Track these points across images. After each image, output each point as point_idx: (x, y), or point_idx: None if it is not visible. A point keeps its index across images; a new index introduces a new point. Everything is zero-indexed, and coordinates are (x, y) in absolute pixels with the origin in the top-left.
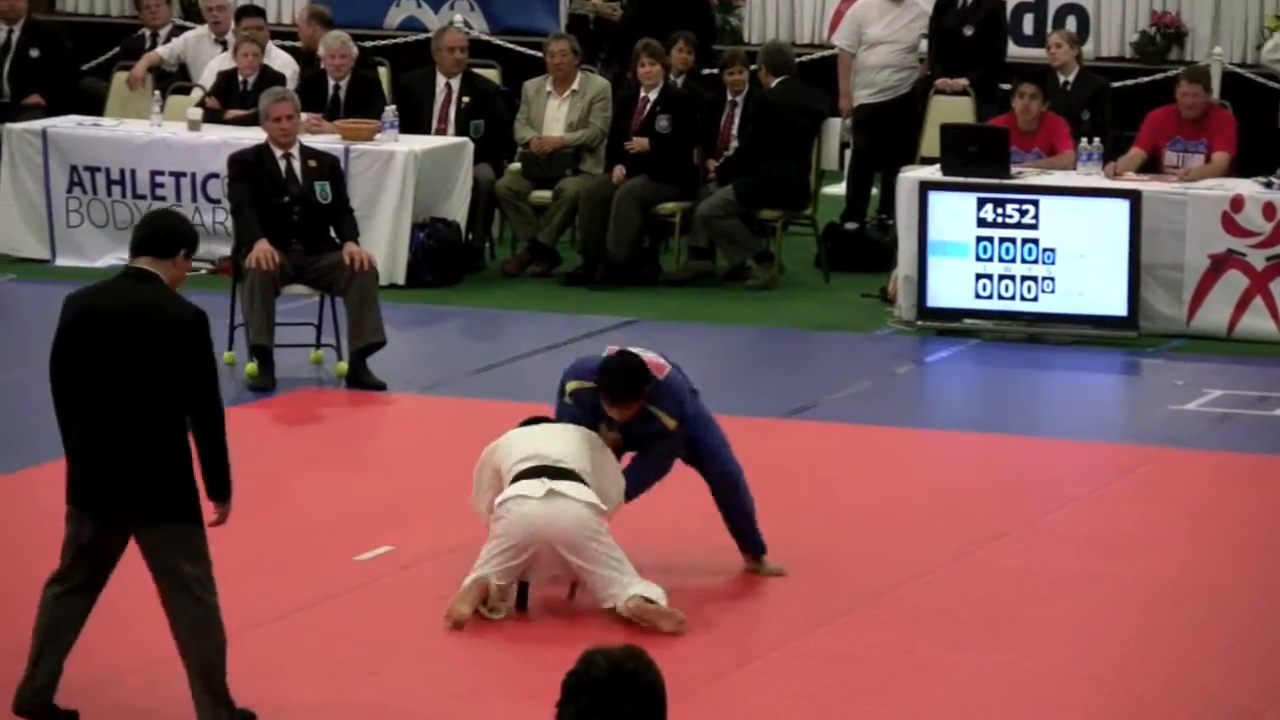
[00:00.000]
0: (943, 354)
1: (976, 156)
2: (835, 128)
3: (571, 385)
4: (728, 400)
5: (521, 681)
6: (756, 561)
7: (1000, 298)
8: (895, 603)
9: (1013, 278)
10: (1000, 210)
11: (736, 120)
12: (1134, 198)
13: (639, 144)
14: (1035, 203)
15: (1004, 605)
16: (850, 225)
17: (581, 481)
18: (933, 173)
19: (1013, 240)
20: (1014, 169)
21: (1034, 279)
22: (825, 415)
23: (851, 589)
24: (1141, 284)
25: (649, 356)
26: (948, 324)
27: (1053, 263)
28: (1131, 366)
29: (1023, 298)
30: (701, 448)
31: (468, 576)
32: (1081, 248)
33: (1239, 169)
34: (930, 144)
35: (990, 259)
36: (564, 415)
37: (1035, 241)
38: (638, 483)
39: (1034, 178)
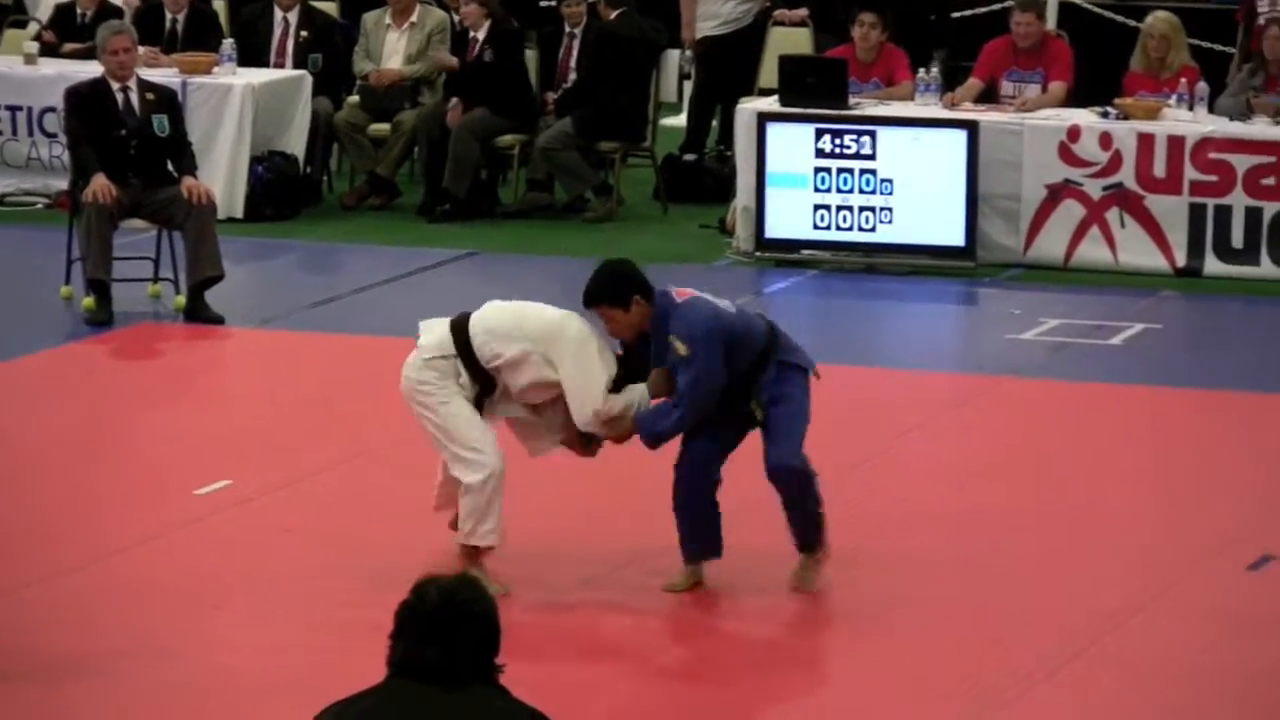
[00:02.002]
0: (781, 285)
1: (814, 88)
2: (674, 60)
3: None
4: None
5: (360, 611)
6: (808, 559)
7: (838, 228)
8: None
9: (851, 208)
10: (838, 141)
11: (575, 52)
12: (971, 128)
13: (455, 113)
14: (873, 134)
15: (847, 537)
16: (689, 157)
17: (459, 336)
18: (771, 104)
19: (850, 171)
20: (852, 100)
21: (872, 209)
22: None
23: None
24: (979, 214)
25: (683, 289)
26: (786, 255)
27: (890, 193)
28: (969, 296)
29: (860, 228)
30: (768, 428)
31: None
32: (919, 178)
33: (1076, 99)
34: (769, 75)
35: (828, 190)
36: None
37: (873, 172)
38: (655, 419)
39: (872, 108)
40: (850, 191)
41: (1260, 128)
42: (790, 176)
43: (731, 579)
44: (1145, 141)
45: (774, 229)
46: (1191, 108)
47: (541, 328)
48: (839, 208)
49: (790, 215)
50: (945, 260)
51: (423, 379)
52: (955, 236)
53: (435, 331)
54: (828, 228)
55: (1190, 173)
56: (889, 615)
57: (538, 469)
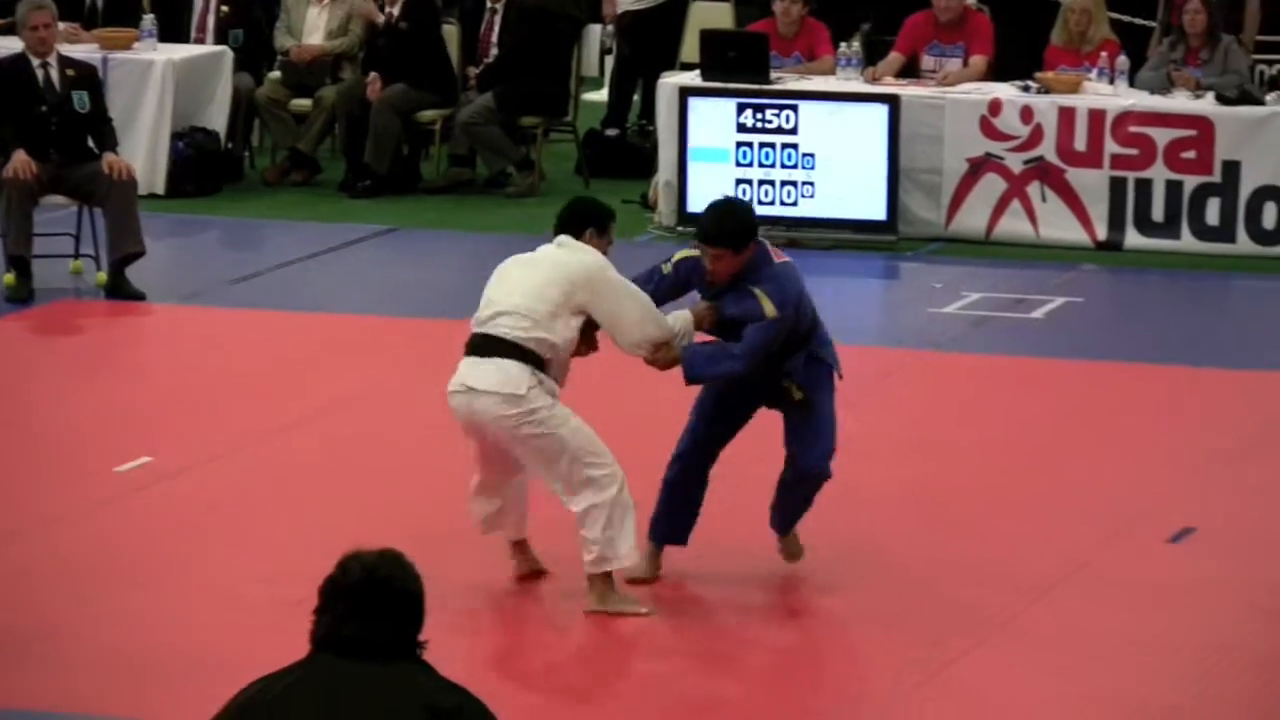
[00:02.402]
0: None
1: (736, 62)
2: (595, 34)
3: (680, 254)
4: None
5: (283, 587)
6: (783, 537)
7: (760, 203)
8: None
9: (772, 183)
10: (760, 116)
11: (497, 28)
12: (893, 102)
13: (374, 88)
14: (795, 108)
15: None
16: (611, 132)
17: (508, 352)
18: (692, 79)
19: (772, 145)
20: (774, 74)
21: (794, 184)
22: None
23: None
24: (900, 188)
25: (777, 249)
26: None
27: (812, 168)
28: (890, 270)
29: (782, 202)
30: (803, 428)
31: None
32: (841, 153)
33: (997, 73)
34: (690, 50)
35: (750, 164)
36: (645, 275)
37: (795, 147)
38: (706, 361)
39: (794, 83)
40: (772, 166)
41: (1180, 101)
42: (712, 151)
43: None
44: (1066, 115)
45: (696, 203)
46: (1112, 81)
47: (561, 283)
48: (761, 182)
49: (712, 189)
50: (867, 234)
51: (532, 405)
52: (877, 210)
53: (499, 368)
54: (749, 202)
55: (1111, 146)
56: (819, 599)
57: None
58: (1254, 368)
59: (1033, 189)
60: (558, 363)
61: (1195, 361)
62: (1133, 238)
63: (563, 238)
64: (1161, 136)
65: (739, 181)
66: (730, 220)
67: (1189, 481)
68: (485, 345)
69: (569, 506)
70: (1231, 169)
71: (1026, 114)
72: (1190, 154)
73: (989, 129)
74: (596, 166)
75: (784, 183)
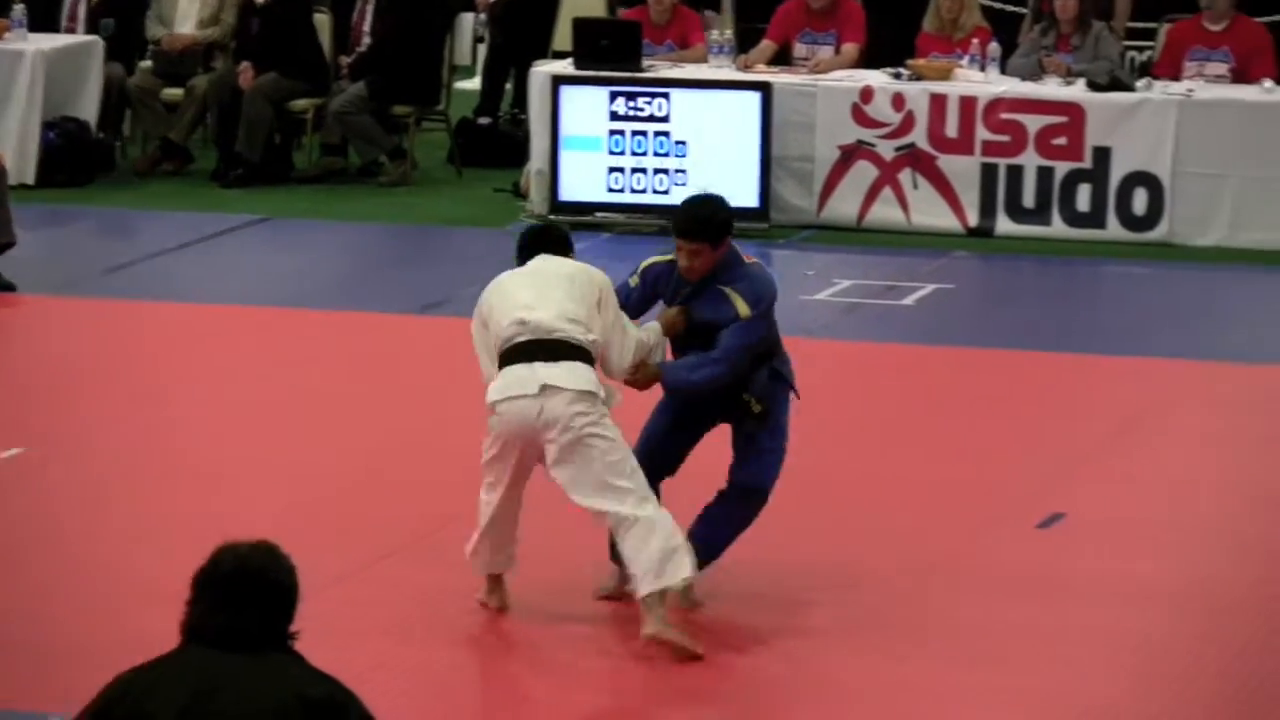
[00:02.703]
0: (575, 247)
1: (608, 50)
2: (468, 23)
3: (646, 262)
4: (361, 297)
5: (155, 578)
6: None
7: (633, 191)
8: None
9: (645, 171)
10: (632, 104)
11: (369, 16)
12: (765, 90)
13: (246, 76)
14: (667, 96)
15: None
16: (483, 120)
17: (580, 355)
18: (565, 67)
19: (645, 133)
20: (646, 62)
21: (666, 172)
22: (459, 311)
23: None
24: (772, 175)
25: (748, 254)
26: (581, 217)
27: (684, 155)
28: (763, 257)
29: (655, 190)
30: (749, 446)
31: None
32: (713, 140)
33: (869, 60)
34: (563, 38)
35: (622, 152)
36: (620, 293)
37: (667, 134)
38: (687, 371)
39: (666, 71)
40: (644, 154)
41: (1051, 88)
42: (584, 139)
43: None
44: (937, 102)
45: (568, 192)
46: (983, 68)
47: (591, 291)
48: (633, 170)
49: (584, 178)
50: (739, 221)
51: (601, 408)
52: (749, 198)
53: (578, 373)
54: (622, 190)
55: (982, 133)
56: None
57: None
58: (1124, 354)
59: (904, 176)
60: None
61: (1066, 348)
62: (1004, 224)
63: (547, 254)
64: (1033, 123)
65: (611, 169)
66: (708, 211)
67: (1059, 468)
68: (550, 349)
69: (616, 510)
70: (1102, 155)
71: (898, 101)
72: (1061, 140)
73: (861, 116)
74: (469, 155)
75: (656, 170)
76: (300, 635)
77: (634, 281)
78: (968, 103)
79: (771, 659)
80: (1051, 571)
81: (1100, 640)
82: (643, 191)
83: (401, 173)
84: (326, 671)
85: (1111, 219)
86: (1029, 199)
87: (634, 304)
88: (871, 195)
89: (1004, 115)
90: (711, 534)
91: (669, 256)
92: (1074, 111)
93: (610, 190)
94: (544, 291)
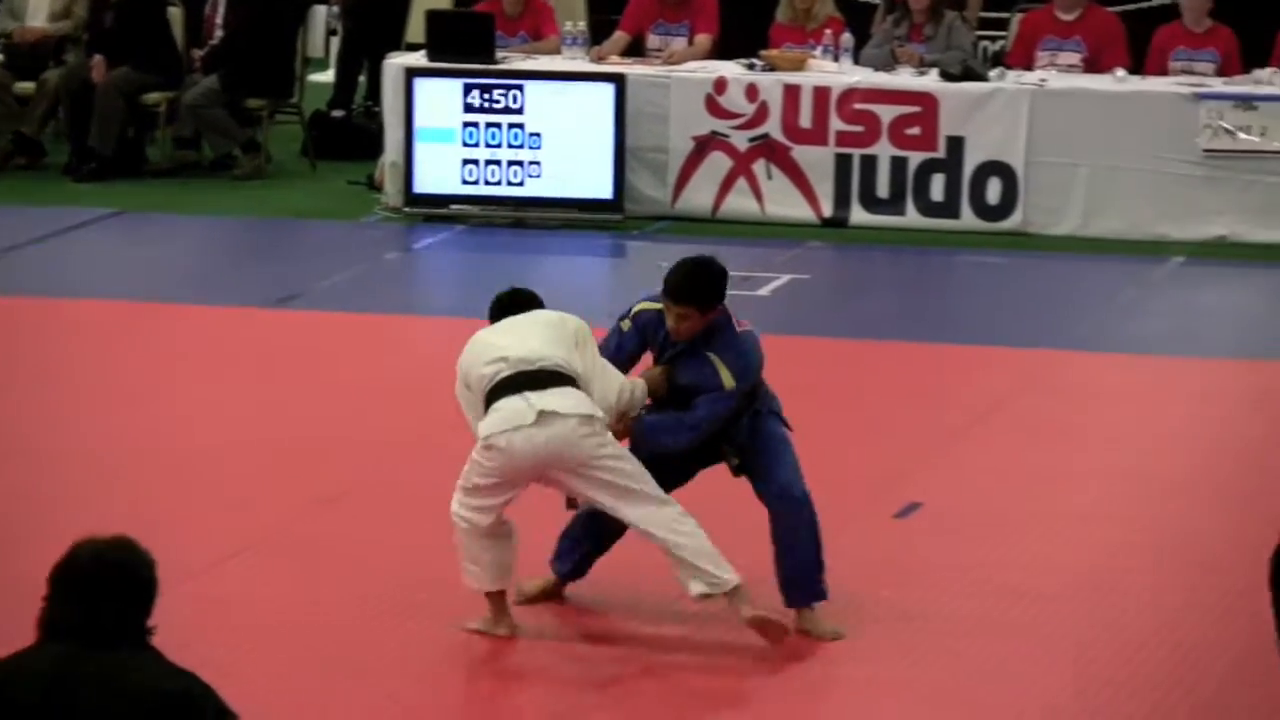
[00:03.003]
0: (430, 240)
1: (462, 42)
2: (320, 15)
3: (639, 307)
4: (216, 291)
5: (8, 573)
6: (804, 615)
7: (487, 183)
8: (386, 487)
9: (499, 163)
10: (486, 96)
11: (222, 9)
12: (618, 81)
13: (99, 70)
14: (520, 88)
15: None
16: (337, 113)
17: (567, 381)
18: (418, 59)
19: (499, 125)
20: (500, 54)
21: (520, 164)
22: (313, 304)
23: (342, 477)
24: (627, 167)
25: (742, 319)
26: (435, 210)
27: (539, 147)
28: (618, 249)
29: (509, 182)
30: (763, 458)
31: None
32: (567, 132)
33: (722, 51)
34: (416, 30)
35: (477, 144)
36: (610, 341)
37: (521, 126)
38: (659, 432)
39: (519, 63)
40: (498, 146)
41: (904, 78)
42: (438, 131)
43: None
44: (791, 93)
45: (423, 184)
46: (837, 59)
47: (569, 337)
48: (487, 162)
49: (439, 170)
50: (594, 213)
51: (596, 427)
52: (603, 190)
53: (572, 397)
54: (476, 182)
55: (836, 123)
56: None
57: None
58: (979, 343)
59: (758, 167)
60: None
61: (920, 337)
62: (858, 214)
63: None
64: (886, 113)
65: (465, 161)
66: (701, 279)
67: (915, 457)
68: (544, 378)
69: (657, 533)
70: (955, 145)
71: (751, 92)
72: (915, 130)
73: (714, 107)
74: (323, 148)
75: (510, 162)
76: (157, 630)
77: (625, 326)
78: (821, 93)
79: (634, 661)
80: (909, 561)
81: (956, 629)
82: (497, 184)
83: (255, 166)
84: (184, 667)
85: (965, 209)
86: (883, 189)
87: (630, 350)
88: (726, 186)
89: (857, 106)
90: (799, 577)
91: (658, 306)
92: (927, 101)
93: (465, 182)
94: (519, 335)
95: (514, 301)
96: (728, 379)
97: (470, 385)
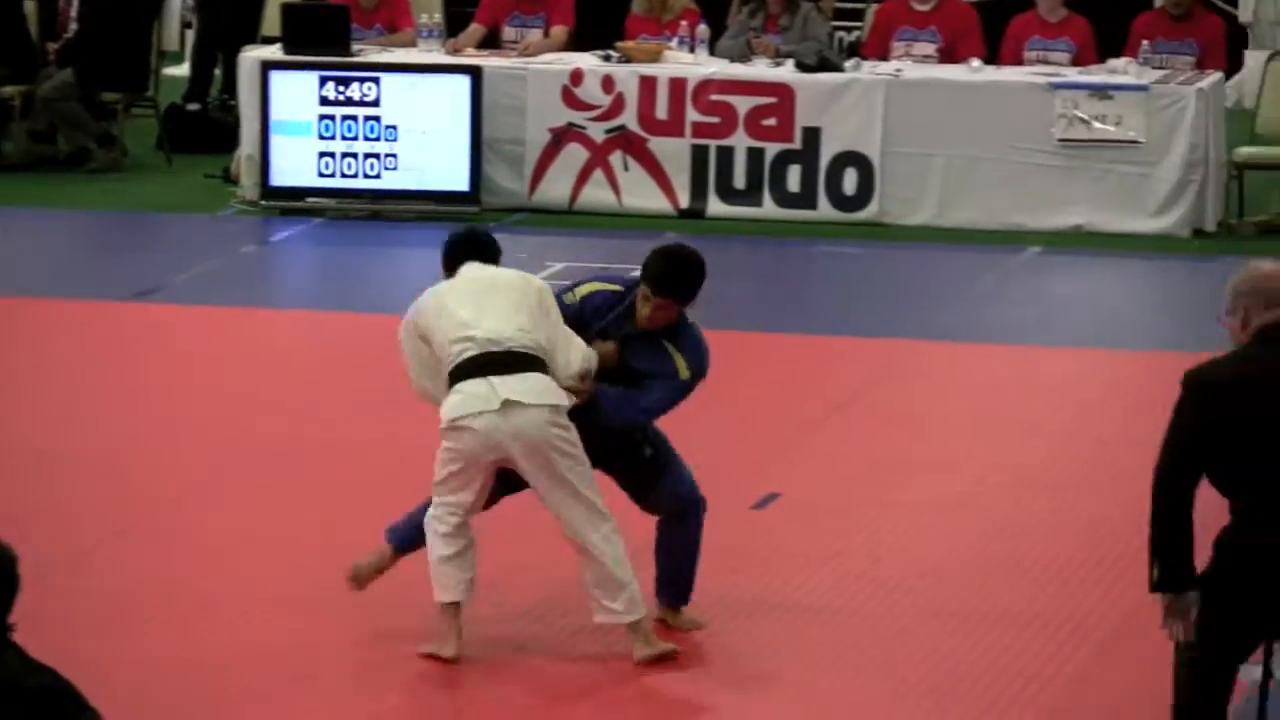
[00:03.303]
0: (286, 233)
1: (317, 35)
2: (175, 8)
3: (588, 287)
4: (72, 285)
5: None
6: (675, 613)
7: (343, 175)
8: (245, 480)
9: (355, 155)
10: (342, 89)
11: (76, 2)
12: (475, 73)
13: None
14: (376, 80)
15: (347, 479)
16: (192, 106)
17: (534, 364)
18: (274, 52)
19: (355, 118)
20: (355, 47)
21: (377, 156)
22: (171, 298)
23: (199, 469)
24: (483, 159)
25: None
26: (291, 203)
27: (395, 140)
28: None
29: (366, 175)
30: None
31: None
32: (424, 124)
33: (578, 43)
34: (271, 23)
35: (333, 137)
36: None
37: (378, 119)
38: (616, 405)
39: (375, 55)
40: (355, 138)
41: (760, 69)
42: (295, 124)
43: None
44: (647, 84)
45: (279, 177)
46: (693, 50)
47: (538, 306)
48: (344, 155)
49: (295, 163)
50: (451, 205)
51: (563, 419)
52: (460, 182)
53: (541, 386)
54: (333, 175)
55: (692, 115)
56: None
57: None
58: (837, 333)
59: (615, 158)
60: None
61: (778, 328)
62: (715, 205)
63: (478, 264)
64: (742, 104)
65: (322, 154)
66: (687, 272)
67: (774, 448)
68: (513, 361)
69: (592, 538)
70: (812, 135)
71: (608, 84)
72: (771, 121)
73: (571, 99)
74: (178, 141)
75: (367, 155)
76: (17, 626)
77: (571, 299)
78: (677, 84)
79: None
80: (766, 551)
81: (822, 617)
82: (354, 176)
83: (111, 159)
84: (44, 662)
85: (822, 199)
86: (740, 180)
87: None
88: (583, 178)
89: (714, 97)
90: (679, 578)
91: (615, 288)
92: (783, 92)
93: (321, 175)
94: (485, 305)
95: (470, 246)
96: (683, 369)
97: (431, 344)
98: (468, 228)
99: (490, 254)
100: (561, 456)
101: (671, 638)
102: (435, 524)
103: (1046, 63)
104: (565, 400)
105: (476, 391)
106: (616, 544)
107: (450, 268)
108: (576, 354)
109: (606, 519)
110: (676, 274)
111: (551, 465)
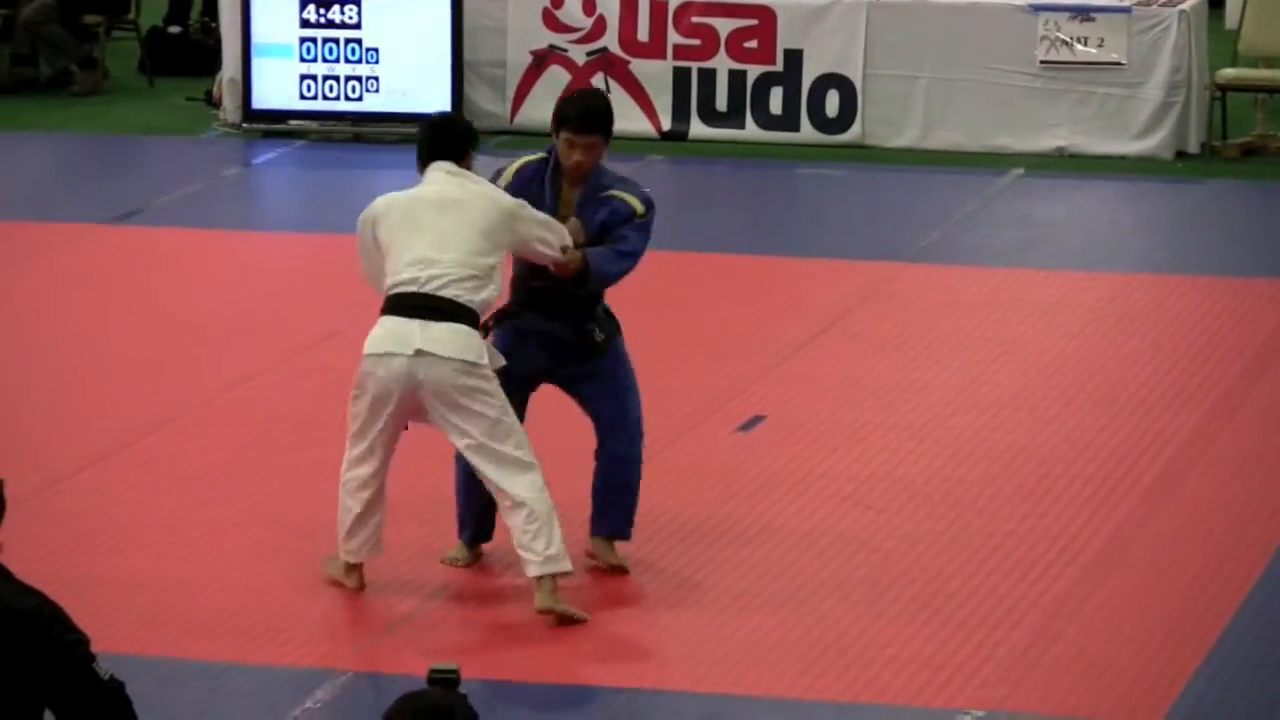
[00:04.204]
0: (269, 156)
1: None
2: None
3: (517, 163)
4: (55, 208)
5: None
6: (607, 544)
7: (325, 98)
8: (226, 405)
9: (337, 78)
10: (323, 11)
11: None
12: None
13: None
14: (358, 2)
15: (331, 404)
16: (174, 29)
17: (463, 316)
18: None
19: (336, 40)
20: None
21: (359, 79)
22: (153, 220)
23: (181, 394)
24: (465, 81)
25: None
26: (273, 126)
27: (376, 62)
28: None
29: (347, 98)
30: (618, 393)
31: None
32: (405, 47)
33: None
34: None
35: (315, 60)
36: None
37: (359, 41)
38: (607, 262)
39: None
40: (336, 61)
41: None
42: (276, 47)
43: None
44: (629, 6)
45: (261, 100)
46: None
47: (496, 231)
48: (325, 77)
49: (277, 86)
50: None
51: (486, 374)
52: (442, 104)
53: (459, 338)
54: (315, 97)
55: (674, 37)
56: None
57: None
58: (819, 256)
59: (596, 80)
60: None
61: (761, 250)
62: (697, 128)
63: (449, 165)
64: (724, 27)
65: (304, 77)
66: (602, 104)
67: (759, 370)
68: (434, 308)
69: (507, 488)
70: (794, 58)
71: (589, 6)
72: (752, 43)
73: (552, 21)
74: (160, 64)
75: (349, 78)
76: (3, 548)
77: (509, 179)
78: (658, 7)
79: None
80: (752, 474)
81: (809, 539)
82: (335, 99)
83: (93, 82)
84: (31, 584)
85: (804, 122)
86: (721, 102)
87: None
88: None
89: (695, 19)
90: (616, 516)
91: (540, 155)
92: (764, 15)
93: (303, 98)
94: (448, 236)
95: (446, 139)
96: (638, 206)
97: (381, 248)
98: (441, 116)
99: (461, 148)
100: (468, 411)
101: (598, 574)
102: (349, 479)
103: None
104: (482, 358)
105: (398, 331)
106: (541, 498)
107: (423, 163)
108: (554, 235)
109: (530, 469)
110: (589, 108)
111: (458, 419)
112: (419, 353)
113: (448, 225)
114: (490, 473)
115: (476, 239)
